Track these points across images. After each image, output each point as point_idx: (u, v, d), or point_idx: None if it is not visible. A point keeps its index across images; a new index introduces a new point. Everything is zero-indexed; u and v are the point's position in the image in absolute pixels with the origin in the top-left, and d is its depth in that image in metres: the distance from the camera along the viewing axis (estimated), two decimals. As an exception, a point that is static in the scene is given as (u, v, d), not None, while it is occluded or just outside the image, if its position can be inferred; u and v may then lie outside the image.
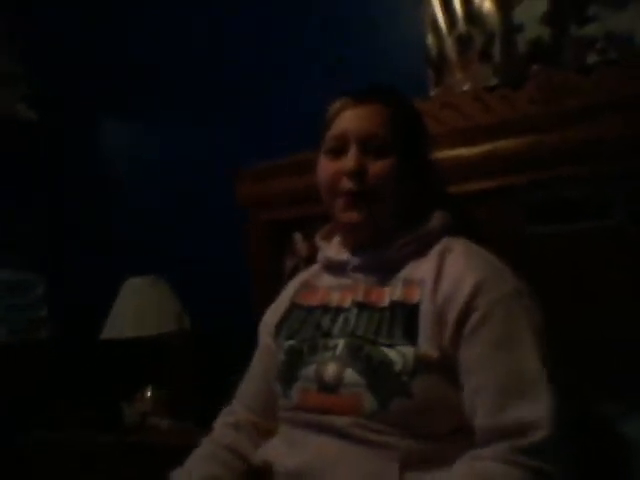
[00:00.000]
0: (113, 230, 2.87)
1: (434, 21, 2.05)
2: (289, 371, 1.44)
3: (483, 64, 1.96)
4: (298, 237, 2.09)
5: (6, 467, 2.36)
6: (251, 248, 2.16)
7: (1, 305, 2.79)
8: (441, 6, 2.04)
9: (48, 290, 2.92)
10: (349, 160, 1.43)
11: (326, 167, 1.49)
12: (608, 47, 1.78)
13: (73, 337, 2.79)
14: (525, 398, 1.22)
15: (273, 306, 1.65)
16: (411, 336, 1.31)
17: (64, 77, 2.96)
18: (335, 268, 1.54)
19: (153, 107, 2.77)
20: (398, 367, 1.28)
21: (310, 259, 1.76)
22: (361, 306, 1.42)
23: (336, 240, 1.59)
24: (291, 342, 1.48)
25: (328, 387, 1.35)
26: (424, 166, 1.55)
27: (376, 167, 1.43)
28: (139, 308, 2.41)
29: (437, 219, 1.49)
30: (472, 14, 1.99)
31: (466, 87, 1.98)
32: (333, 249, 1.57)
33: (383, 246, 1.46)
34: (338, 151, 1.47)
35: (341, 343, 1.38)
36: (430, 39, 2.06)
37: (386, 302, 1.39)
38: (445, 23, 2.03)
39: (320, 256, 1.61)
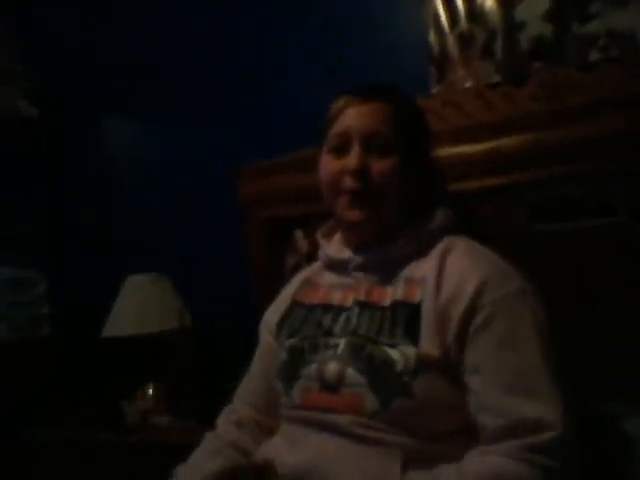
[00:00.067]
0: (113, 229, 2.87)
1: (436, 19, 2.05)
2: (290, 370, 1.44)
3: (485, 61, 1.96)
4: (299, 234, 2.08)
5: (9, 462, 2.37)
6: (251, 246, 2.16)
7: (3, 302, 2.80)
8: (443, 4, 2.03)
9: (49, 288, 2.93)
10: (352, 158, 1.44)
11: (329, 165, 1.49)
12: (610, 44, 1.78)
13: (74, 334, 2.80)
14: (534, 397, 1.22)
15: (274, 304, 1.65)
16: (413, 336, 1.31)
17: (64, 77, 2.97)
18: (336, 266, 1.54)
19: (153, 107, 2.77)
20: (400, 367, 1.29)
21: (311, 256, 1.76)
22: (363, 305, 1.42)
23: (337, 238, 1.59)
24: (292, 341, 1.48)
25: (329, 386, 1.35)
26: (427, 164, 1.56)
27: (379, 166, 1.43)
28: (141, 305, 2.41)
29: (439, 217, 1.49)
30: (474, 11, 1.99)
31: (468, 84, 1.98)
32: (334, 247, 1.57)
33: (385, 244, 1.46)
34: (341, 149, 1.47)
35: (342, 342, 1.38)
36: (432, 36, 2.06)
37: (388, 301, 1.39)
38: (447, 20, 2.03)
39: (321, 254, 1.61)
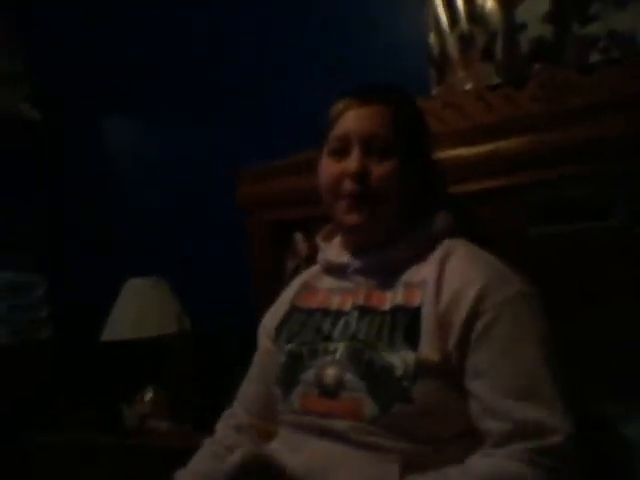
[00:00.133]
0: (113, 230, 2.87)
1: (436, 20, 2.04)
2: (289, 375, 1.44)
3: (485, 63, 1.96)
4: (299, 237, 2.08)
5: (9, 464, 2.37)
6: (252, 248, 2.16)
7: (3, 306, 2.79)
8: (443, 5, 2.03)
9: (49, 291, 2.92)
10: (352, 162, 1.43)
11: (328, 168, 1.49)
12: (610, 46, 1.78)
13: (74, 338, 2.79)
14: (537, 401, 1.22)
15: (272, 308, 1.64)
16: (412, 341, 1.31)
17: (64, 77, 2.96)
18: (335, 270, 1.54)
19: (153, 107, 2.77)
20: (399, 372, 1.28)
21: (311, 259, 1.75)
22: (362, 310, 1.41)
23: (336, 241, 1.59)
24: (291, 346, 1.48)
25: (328, 391, 1.35)
26: (427, 166, 1.55)
27: (379, 169, 1.43)
28: (140, 309, 2.40)
29: (439, 221, 1.49)
30: (474, 13, 1.99)
31: (468, 86, 1.98)
32: (333, 250, 1.57)
33: (385, 248, 1.46)
34: (341, 152, 1.47)
35: (341, 347, 1.38)
36: (432, 38, 2.05)
37: (387, 306, 1.39)
38: (447, 22, 2.03)
39: (320, 257, 1.61)
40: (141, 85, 2.78)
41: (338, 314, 1.45)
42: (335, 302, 1.48)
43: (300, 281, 1.63)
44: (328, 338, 1.42)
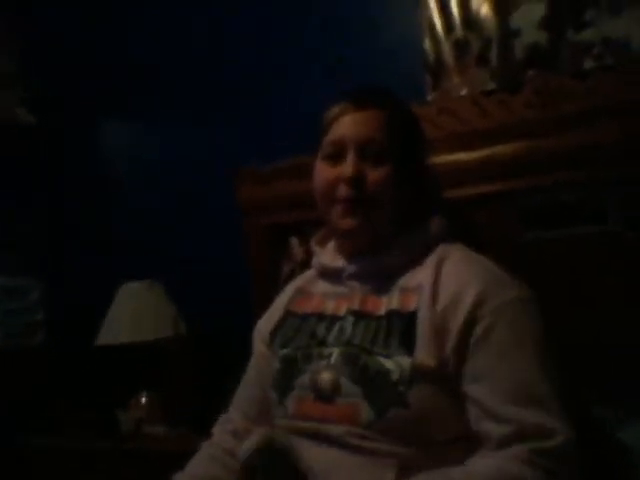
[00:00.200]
0: (113, 231, 2.86)
1: (431, 26, 2.05)
2: (284, 380, 1.44)
3: (480, 69, 1.96)
4: (294, 242, 2.09)
5: (5, 468, 2.37)
6: (251, 251, 2.16)
7: (-1, 309, 2.81)
8: (438, 11, 2.03)
9: (47, 292, 2.92)
10: (347, 166, 1.43)
11: (323, 173, 1.48)
12: (605, 53, 1.78)
13: (70, 342, 2.79)
14: (535, 404, 1.23)
15: (267, 313, 1.65)
16: (408, 345, 1.31)
17: (64, 77, 2.95)
18: (330, 275, 1.54)
19: (153, 107, 2.76)
20: (395, 377, 1.29)
21: (306, 264, 1.76)
22: (357, 315, 1.41)
23: (331, 245, 1.59)
24: (285, 350, 1.48)
25: (324, 396, 1.35)
26: (421, 172, 1.56)
27: (374, 174, 1.43)
28: (135, 313, 2.40)
29: (433, 226, 1.49)
30: (469, 19, 1.99)
31: (463, 92, 1.98)
32: (328, 255, 1.57)
33: (380, 253, 1.46)
34: (336, 157, 1.46)
35: (336, 352, 1.38)
36: (427, 44, 2.06)
37: (382, 311, 1.39)
38: (442, 28, 2.03)
39: (315, 262, 1.60)
40: (141, 85, 2.78)
41: (333, 319, 1.45)
42: (330, 307, 1.48)
43: (294, 286, 1.63)
44: (323, 343, 1.42)
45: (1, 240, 2.80)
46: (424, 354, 1.29)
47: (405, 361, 1.29)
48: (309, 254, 1.68)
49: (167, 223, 2.70)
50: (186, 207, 2.66)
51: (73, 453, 2.33)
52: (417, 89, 2.05)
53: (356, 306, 1.43)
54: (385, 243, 1.46)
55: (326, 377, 1.36)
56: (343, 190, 1.43)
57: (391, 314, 1.37)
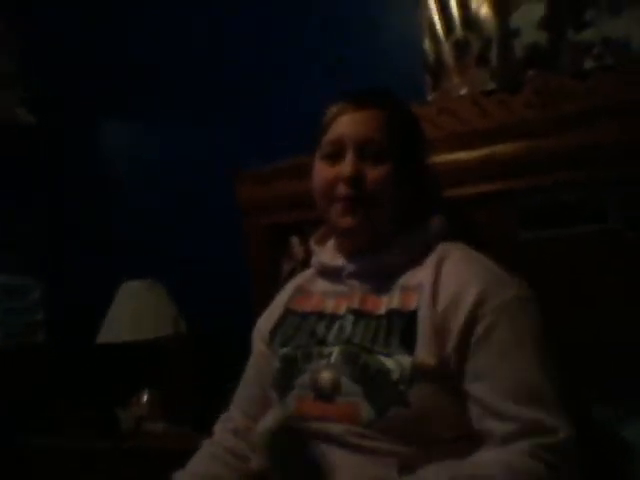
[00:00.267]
0: (113, 231, 2.86)
1: (431, 26, 2.05)
2: (284, 379, 1.44)
3: (480, 69, 1.97)
4: (295, 241, 2.09)
5: (5, 468, 2.37)
6: (251, 251, 2.17)
7: (-1, 309, 2.81)
8: (438, 11, 2.04)
9: (47, 292, 2.92)
10: (346, 166, 1.43)
11: (322, 172, 1.48)
12: (605, 52, 1.79)
13: (70, 341, 2.79)
14: (537, 402, 1.24)
15: (267, 312, 1.65)
16: (408, 344, 1.31)
17: (64, 77, 2.95)
18: (330, 274, 1.54)
19: (153, 107, 2.76)
20: (395, 376, 1.29)
21: (306, 263, 1.76)
22: (357, 314, 1.41)
23: (330, 244, 1.59)
24: (285, 350, 1.48)
25: (324, 395, 1.35)
26: (421, 171, 1.56)
27: (374, 173, 1.43)
28: (136, 312, 2.40)
29: (433, 225, 1.49)
30: (469, 19, 1.99)
31: (463, 92, 1.99)
32: (327, 254, 1.56)
33: (380, 252, 1.46)
34: (335, 156, 1.46)
35: (336, 351, 1.38)
36: (427, 44, 2.06)
37: (382, 310, 1.39)
38: (442, 28, 2.03)
39: (314, 261, 1.60)
40: (141, 85, 2.77)
41: (332, 318, 1.45)
42: (329, 306, 1.48)
43: (294, 284, 1.63)
44: (322, 342, 1.42)
45: (1, 240, 2.79)
46: (425, 353, 1.29)
47: (406, 360, 1.29)
48: (309, 253, 1.68)
49: (167, 223, 2.70)
50: (186, 207, 2.66)
51: (73, 453, 2.32)
52: (417, 89, 2.05)
53: (356, 305, 1.43)
54: (385, 242, 1.46)
55: (326, 376, 1.36)
56: (342, 189, 1.43)
57: (391, 313, 1.37)
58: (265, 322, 1.61)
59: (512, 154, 1.72)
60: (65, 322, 2.86)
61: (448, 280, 1.37)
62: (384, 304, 1.40)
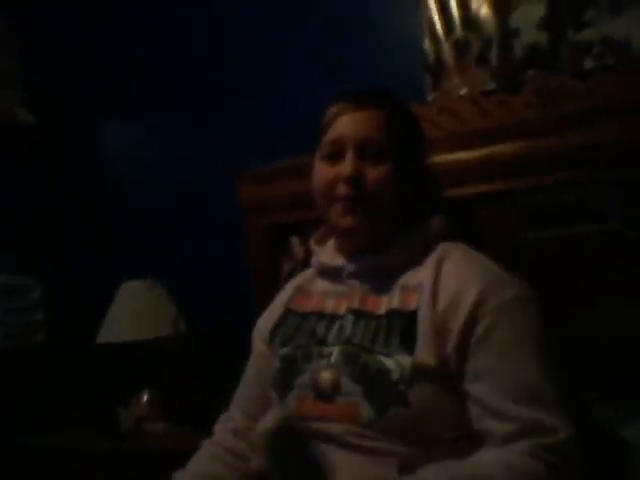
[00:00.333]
0: (113, 231, 2.86)
1: (431, 26, 2.05)
2: (284, 379, 1.44)
3: (480, 69, 1.97)
4: (295, 241, 2.09)
5: (5, 468, 2.36)
6: (251, 251, 2.17)
7: (-1, 309, 2.81)
8: (438, 11, 2.04)
9: (47, 292, 2.91)
10: (346, 166, 1.43)
11: (322, 172, 1.48)
12: (605, 52, 1.79)
13: (70, 341, 2.79)
14: (537, 402, 1.24)
15: (267, 312, 1.64)
16: (408, 344, 1.31)
17: (64, 77, 2.95)
18: (330, 274, 1.54)
19: (153, 107, 2.76)
20: (395, 376, 1.29)
21: (306, 263, 1.76)
22: (357, 314, 1.41)
23: (330, 244, 1.58)
24: (285, 350, 1.48)
25: (324, 395, 1.35)
26: (421, 171, 1.55)
27: (373, 173, 1.42)
28: (136, 312, 2.40)
29: (433, 225, 1.49)
30: (469, 19, 1.99)
31: (463, 92, 1.99)
32: (327, 254, 1.56)
33: (380, 252, 1.46)
34: (335, 156, 1.46)
35: (336, 351, 1.38)
36: (427, 44, 2.06)
37: (382, 310, 1.39)
38: (442, 28, 2.03)
39: (314, 261, 1.60)
40: (141, 85, 2.77)
41: (333, 318, 1.45)
42: (329, 306, 1.48)
43: (294, 284, 1.63)
44: (322, 342, 1.42)
45: (1, 240, 2.79)
46: (425, 353, 1.29)
47: (406, 360, 1.29)
48: (309, 253, 1.67)
49: (167, 223, 2.70)
50: (186, 207, 2.66)
51: (73, 453, 2.32)
52: (417, 89, 2.05)
53: (356, 305, 1.43)
54: (385, 242, 1.46)
55: (326, 376, 1.36)
56: (342, 189, 1.43)
57: (391, 313, 1.37)
58: (265, 322, 1.61)
59: (512, 154, 1.72)
60: (65, 322, 2.85)
61: (448, 280, 1.37)
62: (384, 304, 1.40)
